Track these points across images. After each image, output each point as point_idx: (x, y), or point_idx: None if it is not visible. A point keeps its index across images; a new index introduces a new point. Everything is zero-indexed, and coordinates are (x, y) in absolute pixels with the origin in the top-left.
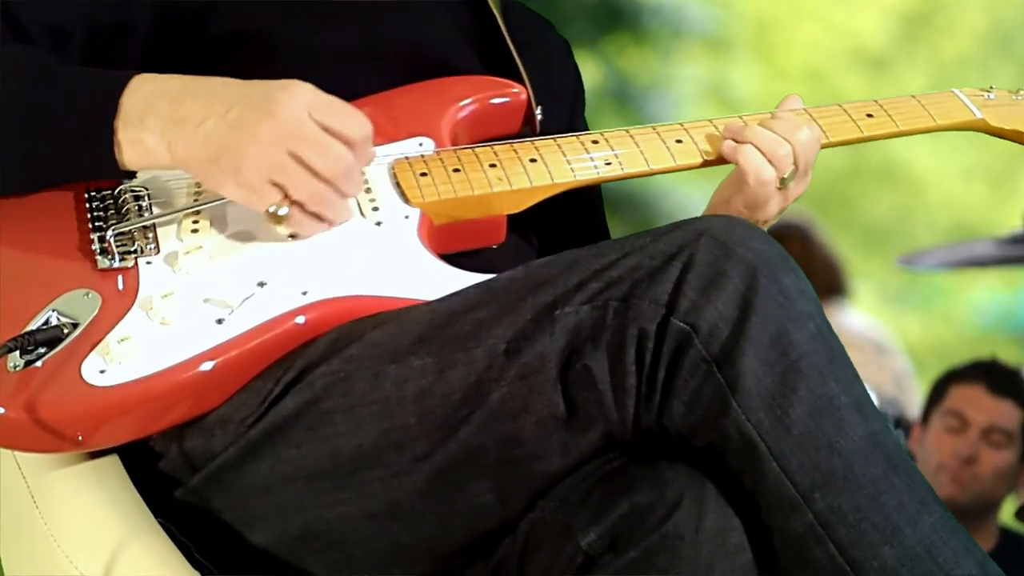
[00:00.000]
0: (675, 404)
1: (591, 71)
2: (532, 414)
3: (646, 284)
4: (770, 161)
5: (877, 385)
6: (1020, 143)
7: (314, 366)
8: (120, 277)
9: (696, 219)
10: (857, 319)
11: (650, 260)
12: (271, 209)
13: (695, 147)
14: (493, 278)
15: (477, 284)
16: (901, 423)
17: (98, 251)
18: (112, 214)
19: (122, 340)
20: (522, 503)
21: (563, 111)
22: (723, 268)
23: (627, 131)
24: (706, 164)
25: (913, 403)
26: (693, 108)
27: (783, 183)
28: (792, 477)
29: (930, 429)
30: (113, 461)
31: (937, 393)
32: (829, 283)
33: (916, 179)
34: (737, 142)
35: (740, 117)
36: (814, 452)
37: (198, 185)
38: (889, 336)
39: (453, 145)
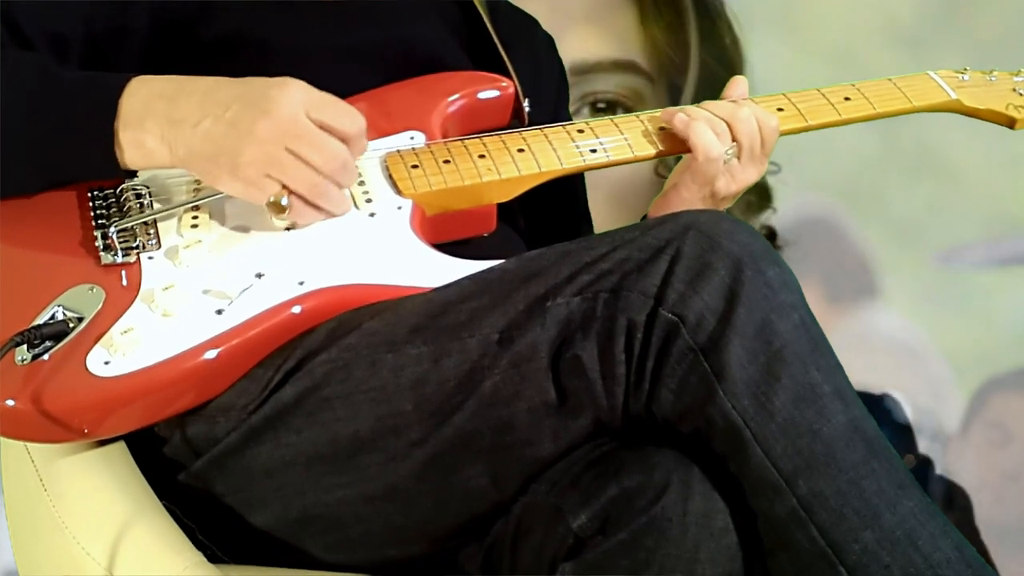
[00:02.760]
0: (663, 392)
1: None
2: (524, 401)
3: (635, 276)
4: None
5: (911, 394)
6: (995, 123)
7: (314, 354)
8: (123, 272)
9: (683, 213)
10: (889, 321)
11: (639, 253)
12: (272, 199)
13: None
14: (487, 269)
15: (471, 275)
16: (938, 436)
17: (101, 247)
18: (114, 211)
19: (125, 332)
20: (515, 487)
21: (549, 104)
22: (709, 260)
23: (611, 119)
24: (690, 150)
25: (951, 414)
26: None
27: (725, 159)
28: (775, 462)
29: (970, 442)
30: (119, 446)
31: (978, 403)
32: (858, 281)
33: (954, 168)
34: (689, 117)
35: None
36: (797, 438)
37: (197, 181)
38: (925, 340)
39: (444, 138)
